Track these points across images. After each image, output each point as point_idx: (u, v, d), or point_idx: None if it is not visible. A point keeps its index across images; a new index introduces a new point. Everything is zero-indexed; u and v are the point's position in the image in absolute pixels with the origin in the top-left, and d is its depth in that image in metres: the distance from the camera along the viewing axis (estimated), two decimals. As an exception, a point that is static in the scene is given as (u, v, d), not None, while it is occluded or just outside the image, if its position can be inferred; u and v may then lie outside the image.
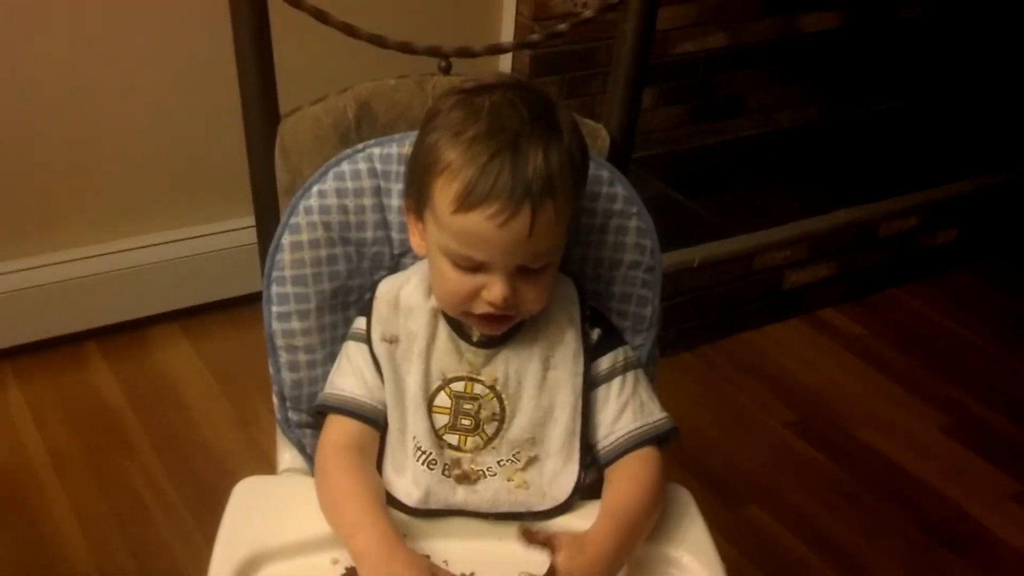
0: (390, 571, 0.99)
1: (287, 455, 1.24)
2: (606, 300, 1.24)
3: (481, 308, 1.07)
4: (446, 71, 1.31)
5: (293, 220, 1.19)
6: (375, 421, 1.13)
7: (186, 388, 2.28)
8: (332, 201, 1.19)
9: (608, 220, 1.22)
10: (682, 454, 2.20)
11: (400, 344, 1.14)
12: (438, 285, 1.10)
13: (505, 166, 0.99)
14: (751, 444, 2.33)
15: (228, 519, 1.10)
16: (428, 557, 1.05)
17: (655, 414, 1.16)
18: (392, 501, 1.11)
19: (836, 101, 3.20)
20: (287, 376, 1.21)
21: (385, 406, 1.13)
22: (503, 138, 1.00)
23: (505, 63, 2.60)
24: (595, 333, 1.17)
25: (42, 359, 2.31)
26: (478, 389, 1.13)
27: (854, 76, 3.18)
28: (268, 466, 1.32)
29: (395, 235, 1.21)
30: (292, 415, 1.23)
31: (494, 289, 1.04)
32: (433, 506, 1.11)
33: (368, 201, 1.20)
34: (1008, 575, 2.05)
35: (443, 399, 1.13)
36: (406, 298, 1.15)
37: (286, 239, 1.18)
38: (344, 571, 1.04)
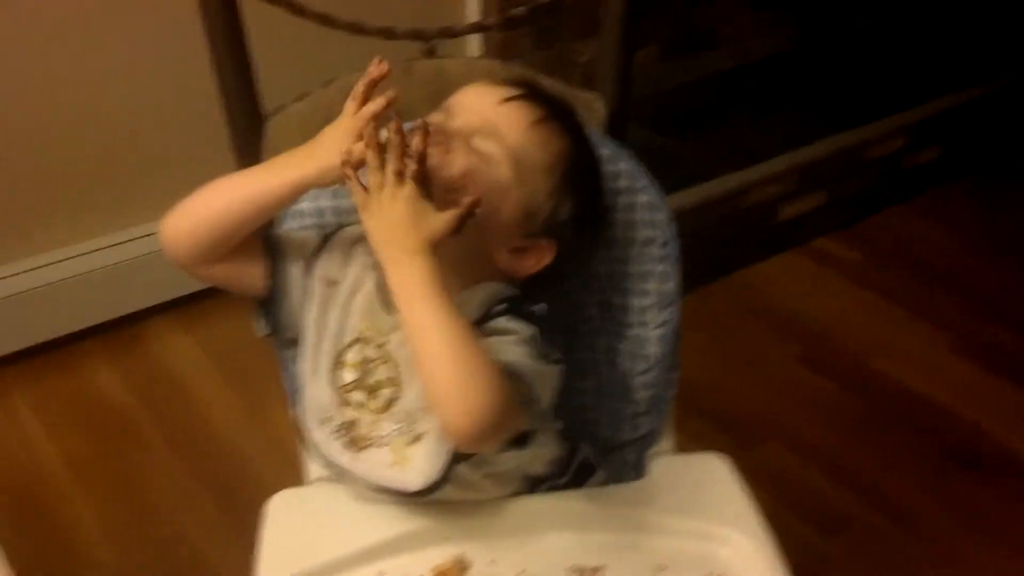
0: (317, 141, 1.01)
1: (315, 464, 1.22)
2: (624, 281, 1.22)
3: None
4: (430, 54, 1.29)
5: (285, 227, 1.16)
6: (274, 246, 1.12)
7: (191, 380, 2.25)
8: (325, 203, 1.17)
9: (615, 199, 1.21)
10: (694, 399, 2.19)
11: (337, 288, 1.11)
12: None
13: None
14: (761, 382, 2.33)
15: (266, 539, 1.09)
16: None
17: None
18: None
19: (810, 25, 3.15)
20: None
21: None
22: None
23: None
24: (501, 308, 1.06)
25: (43, 363, 2.27)
26: (371, 353, 1.10)
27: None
28: (283, 451, 1.30)
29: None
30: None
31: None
32: (325, 455, 1.11)
33: (362, 198, 1.17)
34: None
35: (353, 354, 1.10)
36: (359, 247, 1.13)
37: (279, 252, 1.16)
38: (393, 583, 1.04)
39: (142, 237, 2.35)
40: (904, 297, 2.58)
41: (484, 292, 1.07)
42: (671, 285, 1.23)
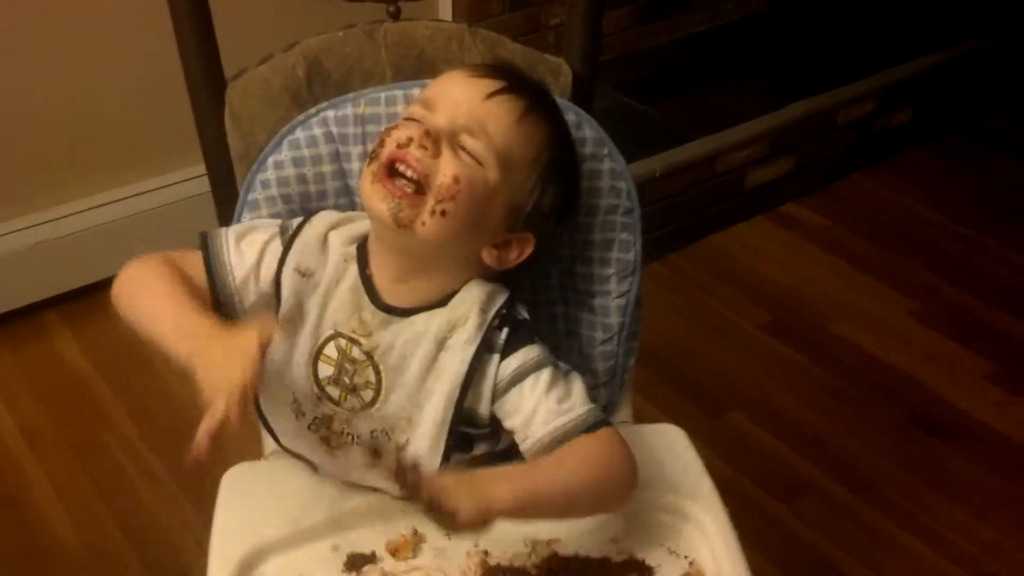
0: (213, 355, 0.98)
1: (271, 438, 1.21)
2: (587, 249, 1.21)
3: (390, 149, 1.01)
4: (395, 16, 1.26)
5: (251, 197, 1.14)
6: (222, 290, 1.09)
7: (153, 349, 2.22)
8: (290, 172, 1.14)
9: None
10: (660, 366, 2.19)
11: (313, 278, 1.07)
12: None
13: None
14: (728, 349, 2.33)
15: (221, 512, 1.08)
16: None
17: (575, 409, 1.04)
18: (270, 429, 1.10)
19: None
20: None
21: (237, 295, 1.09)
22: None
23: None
24: (504, 331, 1.06)
25: (2, 333, 2.24)
26: (355, 353, 1.06)
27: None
28: (246, 423, 1.28)
29: (358, 200, 1.16)
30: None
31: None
32: (294, 449, 1.10)
33: (327, 168, 1.15)
34: (992, 455, 2.07)
35: (332, 349, 1.07)
36: (332, 237, 1.09)
37: (246, 217, 1.14)
38: (345, 558, 1.02)
39: (101, 205, 2.33)
40: (869, 262, 2.58)
41: (476, 298, 1.06)
42: (631, 255, 1.21)
